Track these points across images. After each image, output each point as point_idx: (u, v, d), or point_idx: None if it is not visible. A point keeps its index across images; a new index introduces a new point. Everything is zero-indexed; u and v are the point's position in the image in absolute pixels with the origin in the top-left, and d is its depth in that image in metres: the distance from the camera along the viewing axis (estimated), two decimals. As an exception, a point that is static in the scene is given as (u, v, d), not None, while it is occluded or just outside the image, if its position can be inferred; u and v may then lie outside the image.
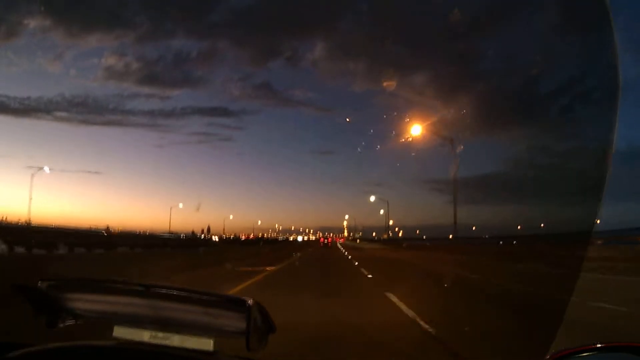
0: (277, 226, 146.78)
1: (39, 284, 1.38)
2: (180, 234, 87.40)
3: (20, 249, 24.10)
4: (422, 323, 6.23)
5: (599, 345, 1.49)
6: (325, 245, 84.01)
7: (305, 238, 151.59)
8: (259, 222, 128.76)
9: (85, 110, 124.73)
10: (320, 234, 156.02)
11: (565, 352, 1.47)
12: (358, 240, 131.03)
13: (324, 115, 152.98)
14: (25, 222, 44.86)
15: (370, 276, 15.38)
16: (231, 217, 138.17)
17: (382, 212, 65.85)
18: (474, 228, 74.49)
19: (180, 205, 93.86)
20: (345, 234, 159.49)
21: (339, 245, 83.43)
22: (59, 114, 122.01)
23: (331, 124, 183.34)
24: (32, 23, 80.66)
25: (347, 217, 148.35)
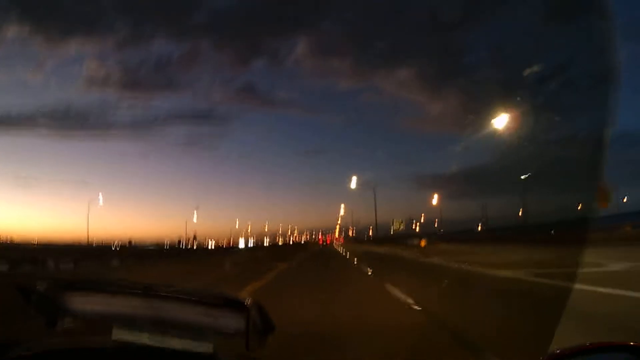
0: (249, 229, 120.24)
1: (38, 285, 1.39)
2: (165, 243, 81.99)
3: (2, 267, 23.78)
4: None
5: (597, 346, 1.47)
6: (324, 245, 68.45)
7: (276, 242, 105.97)
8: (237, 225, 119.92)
9: (67, 123, 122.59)
10: (308, 235, 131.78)
11: (563, 352, 1.47)
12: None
13: (310, 115, 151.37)
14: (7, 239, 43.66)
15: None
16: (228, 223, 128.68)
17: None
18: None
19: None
20: (337, 233, 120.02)
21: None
22: (40, 128, 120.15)
23: (317, 124, 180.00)
24: (10, 32, 78.33)
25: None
